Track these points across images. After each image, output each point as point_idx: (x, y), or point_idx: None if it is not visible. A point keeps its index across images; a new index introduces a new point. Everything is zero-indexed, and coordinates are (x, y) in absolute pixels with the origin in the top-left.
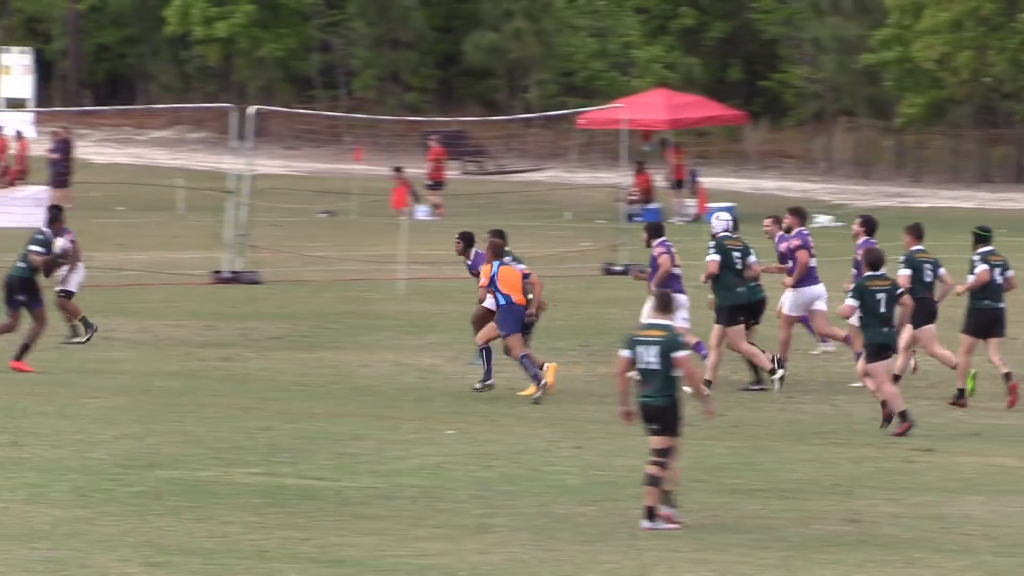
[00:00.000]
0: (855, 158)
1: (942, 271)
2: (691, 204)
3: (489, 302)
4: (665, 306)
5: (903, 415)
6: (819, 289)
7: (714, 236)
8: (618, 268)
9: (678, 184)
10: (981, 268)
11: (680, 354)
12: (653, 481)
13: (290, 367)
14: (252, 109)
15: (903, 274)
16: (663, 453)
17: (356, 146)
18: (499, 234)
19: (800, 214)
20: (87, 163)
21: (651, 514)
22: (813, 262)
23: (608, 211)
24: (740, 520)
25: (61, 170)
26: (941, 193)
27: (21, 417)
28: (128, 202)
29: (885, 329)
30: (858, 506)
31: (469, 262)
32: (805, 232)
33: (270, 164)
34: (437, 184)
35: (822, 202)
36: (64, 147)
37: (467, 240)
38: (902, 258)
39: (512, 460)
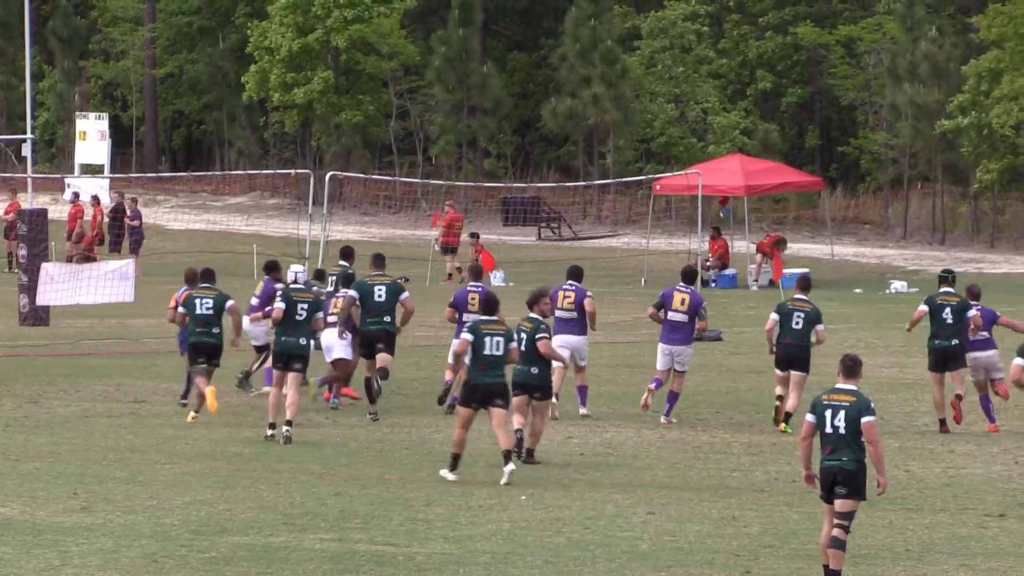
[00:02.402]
0: (931, 224)
1: (819, 327)
2: (767, 270)
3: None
4: (851, 371)
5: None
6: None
7: (285, 285)
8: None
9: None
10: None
11: (868, 419)
12: (838, 544)
13: (363, 433)
14: (328, 175)
15: (771, 317)
16: (848, 516)
17: (435, 212)
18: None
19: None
20: (162, 229)
21: None
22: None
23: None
24: None
25: (138, 237)
26: (1017, 259)
27: (94, 483)
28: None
29: (519, 367)
30: (930, 572)
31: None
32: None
33: (345, 230)
34: (450, 250)
35: (898, 268)
36: (135, 214)
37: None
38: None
39: (584, 526)
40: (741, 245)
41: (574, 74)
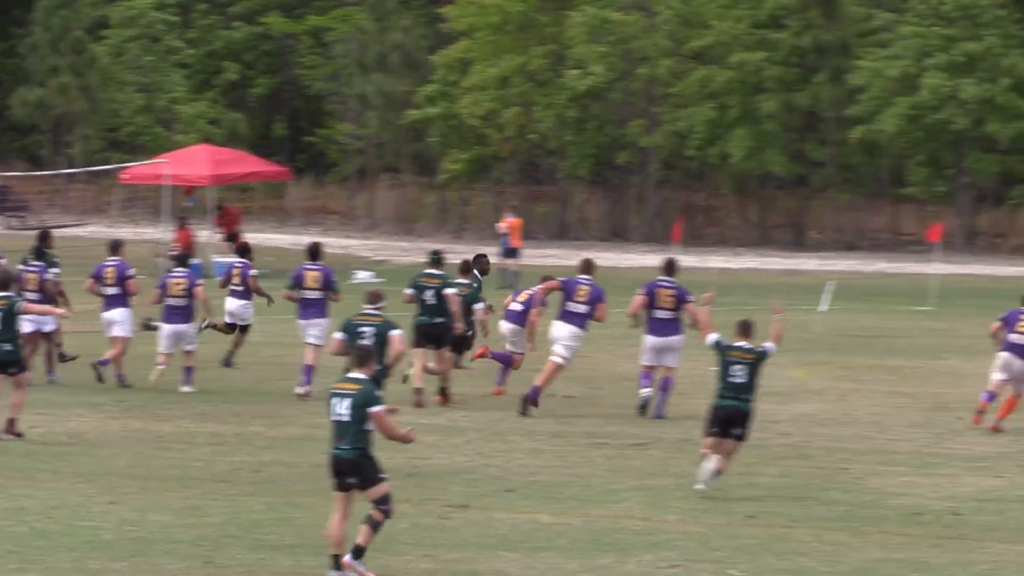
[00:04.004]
0: (398, 214)
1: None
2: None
3: None
4: (363, 360)
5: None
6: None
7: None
8: (157, 324)
9: (231, 239)
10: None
11: (377, 408)
12: (374, 524)
13: None
14: None
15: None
16: (384, 500)
17: None
18: None
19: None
20: None
21: (358, 552)
22: (111, 291)
23: (149, 266)
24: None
25: None
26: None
27: None
28: None
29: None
30: (392, 562)
31: None
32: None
33: None
34: None
35: (363, 258)
36: None
37: None
38: None
39: (47, 515)
40: (207, 234)
41: (43, 63)
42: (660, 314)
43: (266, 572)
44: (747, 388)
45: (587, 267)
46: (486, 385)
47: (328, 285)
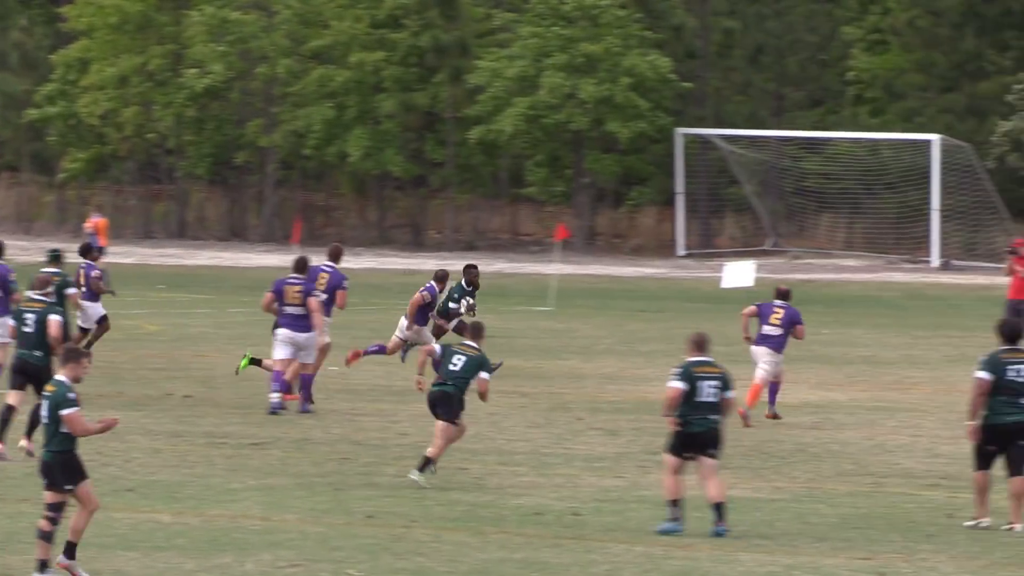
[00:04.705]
0: (16, 213)
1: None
2: None
3: None
4: (66, 360)
5: None
6: None
7: None
8: None
9: None
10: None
11: (67, 411)
12: (45, 536)
13: None
14: None
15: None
16: (54, 508)
17: None
18: None
19: None
20: None
21: (43, 567)
22: None
23: None
24: None
25: None
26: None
27: None
28: None
29: None
30: (11, 561)
31: None
32: None
33: None
34: None
35: None
36: None
37: None
38: None
39: None
40: None
41: None
42: (290, 310)
43: None
44: (457, 375)
45: (331, 256)
46: (104, 385)
47: (4, 285)
